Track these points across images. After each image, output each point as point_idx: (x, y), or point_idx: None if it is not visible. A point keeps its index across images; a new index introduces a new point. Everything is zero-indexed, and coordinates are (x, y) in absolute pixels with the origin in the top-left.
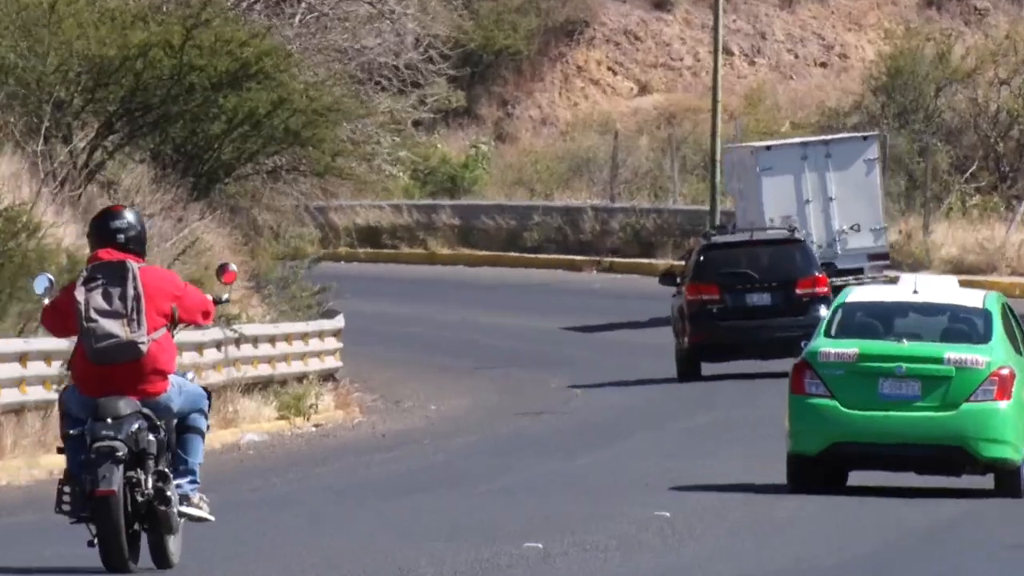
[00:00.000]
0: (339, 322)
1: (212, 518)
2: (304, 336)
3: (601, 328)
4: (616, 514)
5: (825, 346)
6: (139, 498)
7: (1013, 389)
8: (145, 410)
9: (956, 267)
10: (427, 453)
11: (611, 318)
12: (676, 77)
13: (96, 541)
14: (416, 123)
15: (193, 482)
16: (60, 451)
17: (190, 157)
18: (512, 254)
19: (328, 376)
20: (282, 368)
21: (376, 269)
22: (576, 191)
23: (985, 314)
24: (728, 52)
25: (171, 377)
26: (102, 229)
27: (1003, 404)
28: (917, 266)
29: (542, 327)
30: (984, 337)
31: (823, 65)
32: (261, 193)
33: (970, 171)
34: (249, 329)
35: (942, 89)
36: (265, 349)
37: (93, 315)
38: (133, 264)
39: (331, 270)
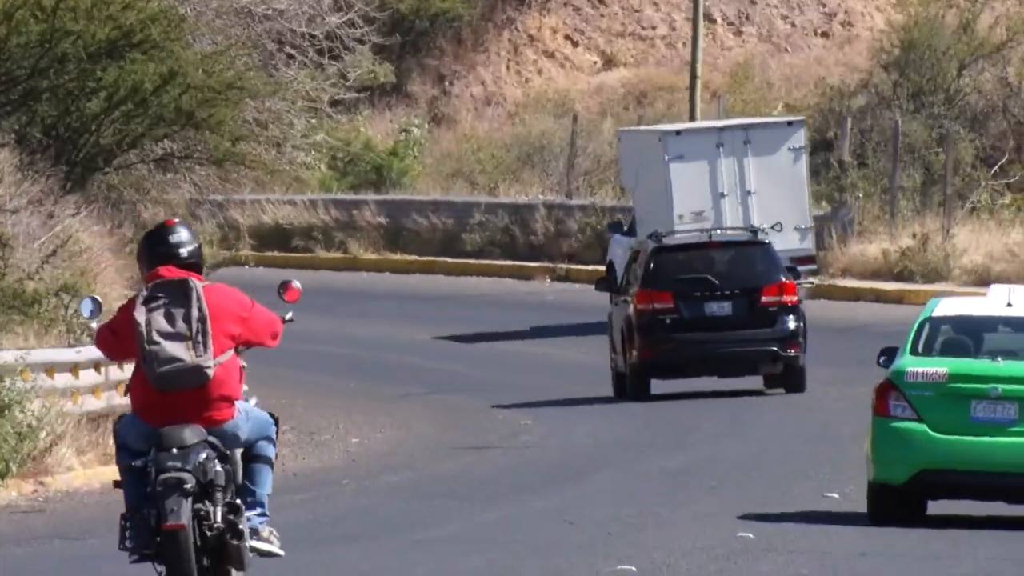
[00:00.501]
0: None
1: (282, 553)
2: None
3: (557, 347)
4: (572, 570)
5: (912, 365)
6: (207, 532)
7: None
8: (211, 439)
9: (981, 277)
10: (347, 496)
11: (568, 334)
12: (647, 49)
13: None
14: (335, 102)
15: (263, 515)
16: (117, 484)
17: (63, 141)
18: (449, 260)
19: None
20: None
21: (286, 276)
22: (526, 185)
23: None
24: (710, 19)
25: (237, 403)
26: (160, 245)
27: None
28: (933, 276)
29: (485, 347)
30: None
31: (824, 35)
32: (148, 184)
33: (999, 164)
34: None
35: (966, 66)
36: None
37: (156, 337)
38: (196, 282)
39: (233, 276)
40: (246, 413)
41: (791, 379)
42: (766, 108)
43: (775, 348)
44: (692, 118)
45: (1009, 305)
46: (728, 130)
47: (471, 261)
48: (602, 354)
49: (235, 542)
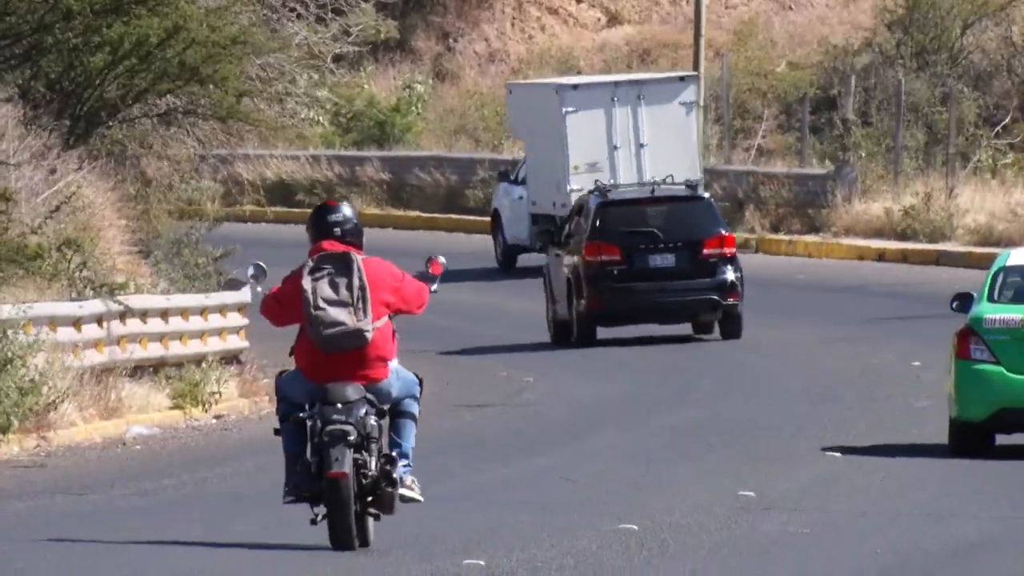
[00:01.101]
0: (244, 295)
1: (422, 499)
2: (203, 311)
3: None
4: (573, 527)
5: (990, 312)
6: (364, 480)
7: None
8: (369, 395)
9: (983, 237)
10: None
11: None
12: (652, 6)
13: (322, 520)
14: (338, 58)
15: (407, 465)
16: (276, 433)
17: (66, 95)
18: (452, 216)
19: (231, 358)
20: (176, 348)
21: (289, 232)
22: None
23: None
24: None
25: (390, 363)
26: (321, 222)
27: None
28: (937, 235)
29: (491, 304)
30: None
31: None
32: (151, 139)
33: (1002, 124)
34: (136, 301)
35: (970, 25)
36: (156, 325)
37: (321, 304)
38: (357, 256)
39: (236, 232)
40: (397, 373)
41: (729, 326)
42: (769, 65)
43: (716, 297)
44: (696, 76)
45: None
46: (622, 84)
47: (474, 218)
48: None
49: (389, 489)
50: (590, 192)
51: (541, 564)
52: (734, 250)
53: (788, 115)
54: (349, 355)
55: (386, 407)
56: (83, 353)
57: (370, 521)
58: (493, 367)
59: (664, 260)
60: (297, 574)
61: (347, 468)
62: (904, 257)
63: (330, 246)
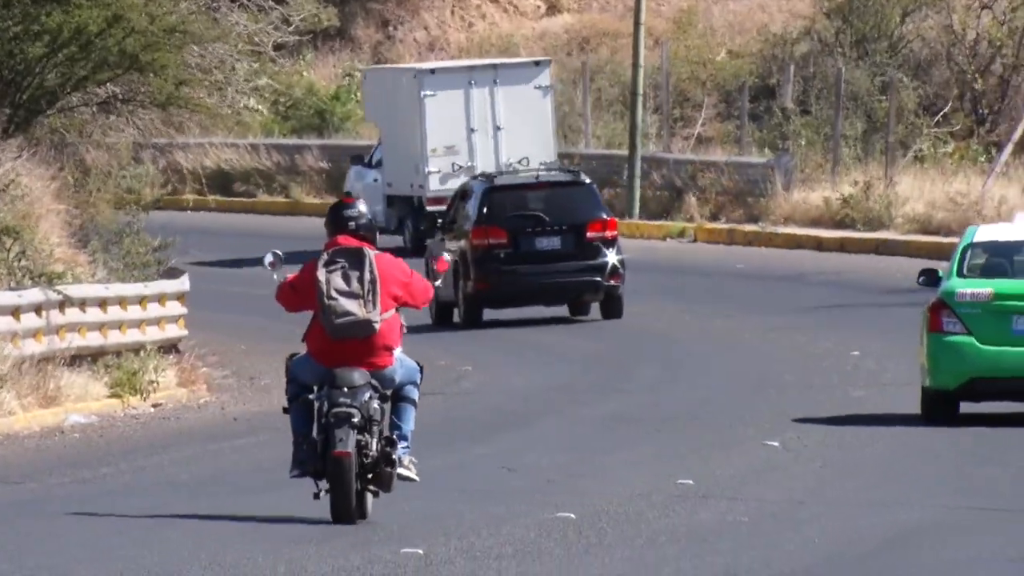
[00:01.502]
0: (183, 284)
1: (418, 479)
2: (141, 300)
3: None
4: (511, 516)
5: (961, 286)
6: (365, 460)
7: None
8: (373, 381)
9: (923, 226)
10: (288, 441)
11: None
12: None
13: (324, 495)
14: (278, 46)
15: (406, 447)
16: (285, 411)
17: (6, 84)
18: None
19: (170, 347)
20: (115, 337)
21: (228, 220)
22: None
23: None
24: None
25: (394, 352)
26: (337, 217)
27: None
28: (876, 224)
29: None
30: None
31: None
32: (91, 128)
33: (942, 112)
34: (75, 290)
35: (910, 13)
36: (95, 314)
37: (334, 294)
38: (369, 251)
39: (175, 221)
40: (400, 360)
41: (611, 307)
42: (709, 54)
43: (599, 279)
44: (635, 64)
45: None
46: (479, 69)
47: None
48: None
49: (388, 469)
50: (474, 178)
51: (479, 552)
52: (616, 233)
53: (728, 104)
54: (357, 343)
55: (389, 392)
56: (22, 342)
57: (369, 497)
58: (432, 355)
59: (549, 243)
60: (237, 561)
61: (350, 448)
62: (843, 246)
63: (345, 241)
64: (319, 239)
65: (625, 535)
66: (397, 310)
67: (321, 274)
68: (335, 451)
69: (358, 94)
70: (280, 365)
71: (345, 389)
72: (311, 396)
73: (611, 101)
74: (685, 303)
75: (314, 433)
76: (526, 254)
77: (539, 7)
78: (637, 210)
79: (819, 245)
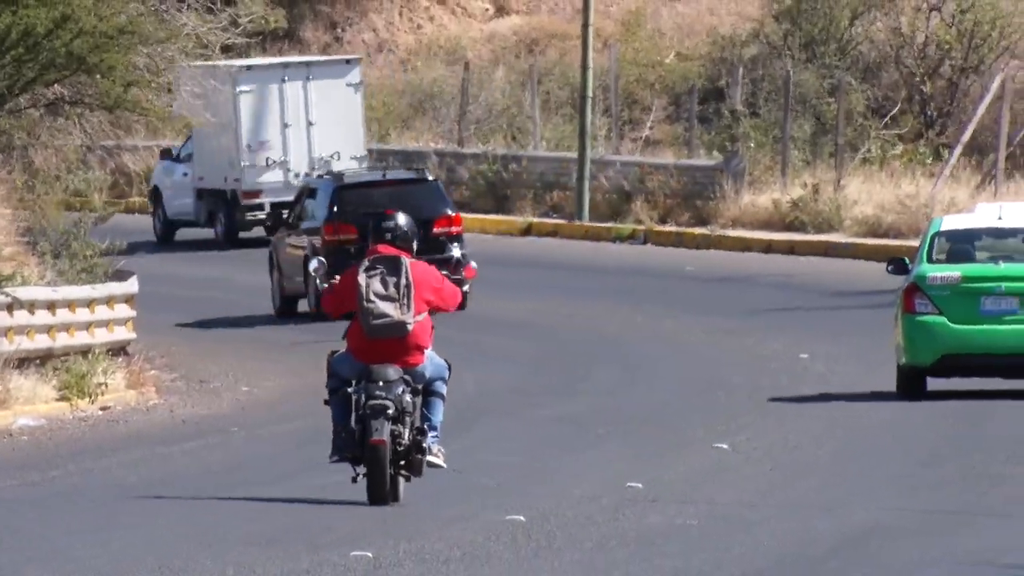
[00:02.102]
0: (132, 286)
1: (446, 466)
2: (90, 303)
3: None
4: (460, 518)
5: (932, 271)
6: (398, 448)
7: None
8: (407, 377)
9: (872, 228)
10: (237, 443)
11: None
12: None
13: (362, 479)
14: (227, 48)
15: (435, 437)
16: (326, 403)
17: None
18: None
19: (119, 350)
20: (63, 340)
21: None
22: (418, 132)
23: None
24: None
25: (426, 351)
26: (377, 229)
27: None
28: (824, 227)
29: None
30: None
31: None
32: (39, 130)
33: (891, 115)
34: (23, 293)
35: (858, 16)
36: (43, 317)
37: (372, 297)
38: (405, 259)
39: (124, 224)
40: (431, 358)
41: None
42: (658, 56)
43: (446, 273)
44: (584, 66)
45: (1000, 218)
46: (292, 66)
47: None
48: (491, 302)
49: (419, 456)
50: (319, 176)
51: (428, 556)
52: (461, 228)
53: (677, 106)
54: (392, 342)
55: (420, 387)
56: None
57: (401, 481)
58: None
59: None
60: (186, 564)
61: (385, 437)
62: (792, 249)
63: (384, 249)
64: (266, 241)
65: (574, 538)
66: (430, 313)
67: (361, 279)
68: (371, 439)
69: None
70: (232, 368)
71: (381, 384)
72: (350, 390)
73: (560, 103)
74: (635, 305)
75: (352, 423)
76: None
77: (487, 9)
78: (587, 212)
79: (768, 248)
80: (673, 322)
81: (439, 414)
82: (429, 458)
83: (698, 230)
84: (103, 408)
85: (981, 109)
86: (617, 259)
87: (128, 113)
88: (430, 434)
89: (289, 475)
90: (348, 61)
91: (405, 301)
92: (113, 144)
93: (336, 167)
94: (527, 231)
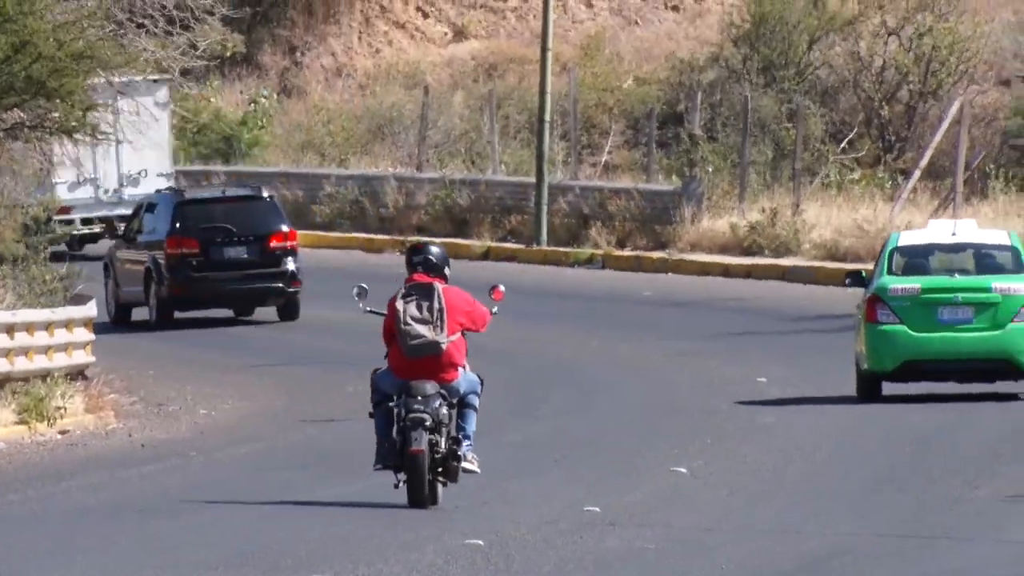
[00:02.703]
0: (91, 310)
1: (479, 471)
2: (48, 326)
3: None
4: (419, 541)
5: (893, 283)
6: (436, 456)
7: None
8: (442, 391)
9: (830, 252)
10: (196, 467)
11: None
12: (499, 21)
13: (402, 485)
14: (185, 72)
15: (469, 445)
16: (370, 415)
17: None
18: (299, 231)
19: (77, 374)
20: (21, 364)
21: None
22: (376, 157)
23: (1014, 250)
24: None
25: (459, 368)
26: (409, 260)
27: None
28: (783, 251)
29: (335, 319)
30: (1018, 268)
31: (675, 9)
32: None
33: (848, 139)
34: None
35: (817, 40)
36: (1, 340)
37: (408, 320)
38: (438, 285)
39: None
40: (464, 374)
41: (289, 311)
42: (616, 81)
43: (281, 285)
44: (543, 91)
45: (953, 234)
46: (100, 86)
47: (321, 233)
48: None
49: (454, 463)
50: (159, 191)
51: None
52: (296, 243)
53: (635, 131)
54: (429, 360)
55: (455, 400)
56: None
57: (439, 487)
58: (341, 382)
59: (237, 252)
60: None
61: (423, 446)
62: (749, 273)
63: (419, 278)
64: None
65: (532, 562)
66: (463, 334)
67: (399, 304)
68: (411, 449)
69: (263, 119)
70: (190, 391)
71: (419, 398)
72: (391, 404)
73: (518, 128)
74: (593, 329)
75: (393, 434)
76: (216, 262)
77: (446, 34)
78: (545, 237)
79: (726, 272)
80: (631, 346)
81: (472, 424)
82: (464, 464)
83: (656, 254)
84: (62, 432)
85: (939, 134)
86: (575, 284)
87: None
88: (464, 443)
89: (247, 499)
90: (156, 81)
91: (439, 323)
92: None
93: (142, 186)
94: (485, 255)
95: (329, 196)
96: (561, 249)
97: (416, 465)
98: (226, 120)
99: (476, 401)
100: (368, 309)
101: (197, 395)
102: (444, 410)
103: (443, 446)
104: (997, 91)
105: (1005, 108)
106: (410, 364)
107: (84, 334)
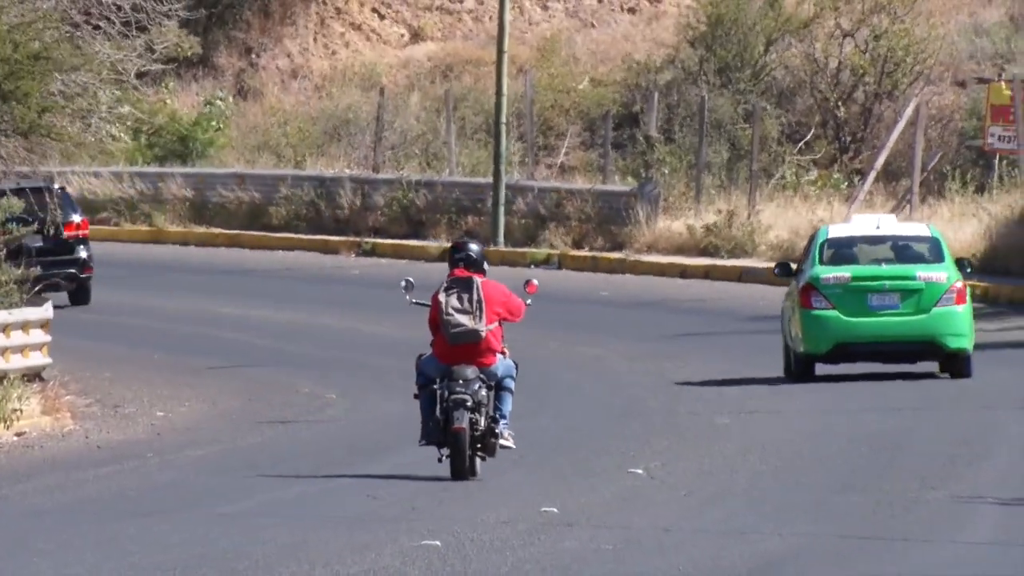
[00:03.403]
0: (46, 311)
1: (514, 447)
2: (4, 327)
3: (363, 321)
4: (377, 543)
5: (825, 272)
6: (475, 433)
7: (966, 297)
8: (482, 375)
9: (786, 253)
10: (152, 469)
11: (374, 309)
12: (455, 22)
13: (445, 459)
14: (141, 74)
15: (506, 424)
16: (415, 397)
17: None
18: (255, 233)
19: (33, 376)
20: None
21: (92, 248)
22: (333, 158)
23: (934, 240)
24: None
25: (497, 354)
26: (451, 257)
27: (961, 308)
28: (739, 252)
29: (291, 320)
30: (938, 258)
31: (631, 11)
32: None
33: (805, 140)
34: None
35: (773, 42)
36: None
37: (450, 311)
38: (477, 279)
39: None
40: (501, 360)
41: (81, 295)
42: (572, 82)
43: (74, 271)
44: (499, 92)
45: (878, 227)
46: None
47: (277, 235)
48: (407, 328)
49: (492, 440)
50: None
51: None
52: (87, 232)
53: (591, 132)
54: (469, 347)
55: (492, 383)
56: None
57: (478, 461)
58: (293, 383)
59: (35, 241)
60: None
61: (464, 424)
62: (707, 274)
63: (459, 272)
64: (183, 269)
65: (490, 563)
66: (500, 323)
67: (442, 297)
68: (453, 427)
69: (219, 121)
70: (146, 393)
71: (460, 381)
72: (435, 386)
73: (475, 129)
74: (549, 331)
75: (437, 414)
76: (16, 250)
77: (402, 35)
78: (502, 238)
79: (683, 273)
80: (588, 347)
81: (509, 405)
82: (501, 441)
83: (613, 255)
84: (18, 434)
85: (895, 134)
86: None
87: (43, 139)
88: (501, 422)
89: (202, 502)
90: None
91: (478, 313)
92: (28, 170)
93: None
94: (442, 257)
95: (285, 198)
96: (518, 250)
97: (458, 441)
98: (182, 122)
99: (512, 384)
100: (413, 301)
101: (153, 397)
102: (483, 392)
103: (482, 424)
104: (953, 92)
105: (961, 110)
106: (452, 350)
107: (40, 335)
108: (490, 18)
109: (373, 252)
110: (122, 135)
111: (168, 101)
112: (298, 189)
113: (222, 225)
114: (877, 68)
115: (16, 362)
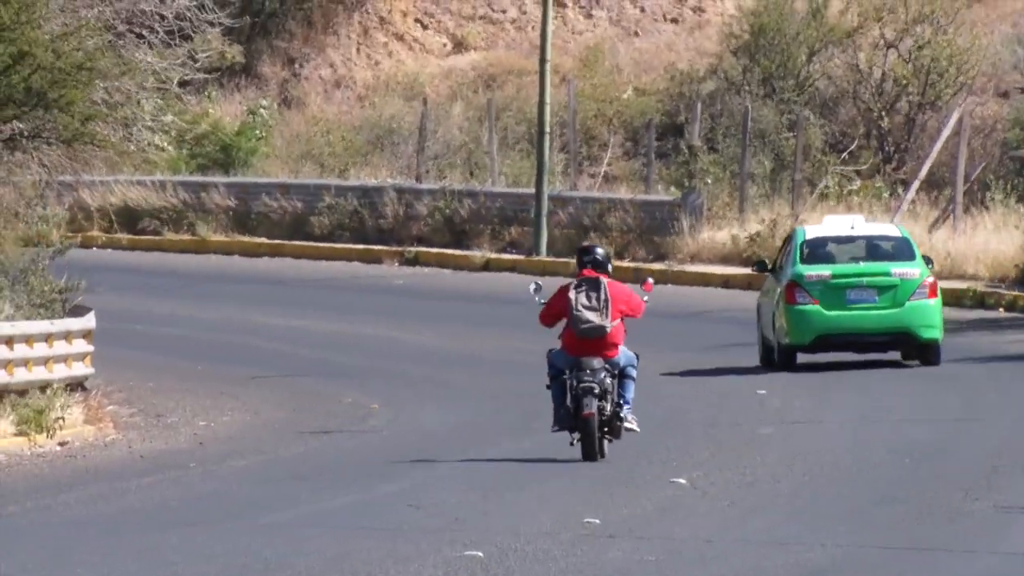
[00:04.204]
0: (90, 321)
1: (639, 430)
2: (48, 337)
3: (406, 331)
4: (420, 554)
5: (807, 270)
6: (602, 417)
7: (937, 291)
8: (607, 366)
9: None
10: (194, 479)
11: (417, 318)
12: (497, 32)
13: (577, 443)
14: (184, 83)
15: (629, 408)
16: (548, 387)
17: None
18: (298, 243)
19: (76, 385)
20: (21, 375)
21: (135, 258)
22: (376, 168)
23: (905, 240)
24: (560, 3)
25: (620, 347)
26: (580, 258)
27: (933, 301)
28: None
29: (334, 330)
30: (910, 256)
31: (674, 21)
32: None
33: (848, 150)
34: None
35: (816, 52)
36: (0, 352)
37: (580, 308)
38: (604, 280)
39: (81, 259)
40: (623, 352)
41: None
42: (616, 92)
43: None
44: (541, 102)
45: (852, 228)
46: None
47: (320, 244)
48: (450, 338)
49: (618, 424)
50: None
51: None
52: None
53: (634, 142)
54: (596, 340)
55: (616, 372)
56: None
57: (605, 443)
58: (336, 393)
59: None
60: None
61: (593, 410)
62: (750, 284)
63: (588, 273)
64: (226, 279)
65: (533, 574)
66: (623, 320)
67: (572, 294)
68: (583, 412)
69: (262, 130)
70: (189, 403)
71: (588, 371)
72: (565, 376)
73: (518, 139)
74: None
75: (567, 401)
76: None
77: (445, 45)
78: (544, 248)
79: (726, 283)
80: None
81: (631, 392)
82: (626, 424)
83: (656, 266)
84: (61, 443)
85: (938, 144)
86: None
87: (86, 147)
88: (625, 407)
89: (245, 512)
90: None
91: (604, 311)
92: (72, 179)
93: None
94: (485, 266)
95: (328, 207)
96: (560, 260)
97: (588, 426)
98: (225, 131)
99: (634, 373)
100: (542, 301)
101: (196, 407)
102: (608, 380)
103: (608, 410)
104: (996, 103)
105: (1004, 120)
106: (580, 344)
107: (83, 345)
108: (532, 27)
109: (416, 261)
110: (165, 144)
111: (211, 110)
112: (341, 199)
113: (265, 235)
114: (920, 78)
115: (59, 372)
